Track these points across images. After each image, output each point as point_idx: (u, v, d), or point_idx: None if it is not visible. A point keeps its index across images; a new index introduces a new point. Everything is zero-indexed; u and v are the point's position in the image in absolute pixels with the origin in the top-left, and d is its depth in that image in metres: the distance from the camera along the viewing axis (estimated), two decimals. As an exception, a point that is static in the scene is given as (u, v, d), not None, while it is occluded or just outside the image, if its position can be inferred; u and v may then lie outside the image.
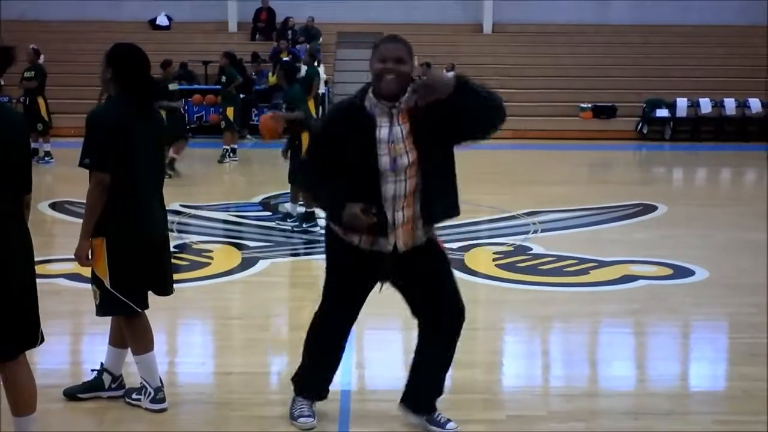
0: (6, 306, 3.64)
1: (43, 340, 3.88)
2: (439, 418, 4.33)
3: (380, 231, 3.98)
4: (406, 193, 4.00)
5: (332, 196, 4.08)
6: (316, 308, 4.37)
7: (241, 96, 17.81)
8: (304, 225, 9.29)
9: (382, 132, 3.95)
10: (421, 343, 4.32)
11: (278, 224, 9.55)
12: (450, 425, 4.30)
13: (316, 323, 4.38)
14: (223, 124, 15.66)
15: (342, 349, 4.42)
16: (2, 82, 16.01)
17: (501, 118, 3.93)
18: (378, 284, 4.22)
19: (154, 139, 4.45)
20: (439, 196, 4.05)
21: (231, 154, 15.30)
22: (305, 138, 9.27)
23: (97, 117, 4.29)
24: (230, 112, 15.45)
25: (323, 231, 4.41)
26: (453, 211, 4.13)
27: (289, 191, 9.71)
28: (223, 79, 15.85)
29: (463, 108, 3.83)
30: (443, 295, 4.21)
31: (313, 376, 4.45)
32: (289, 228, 9.35)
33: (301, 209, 9.46)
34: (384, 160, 3.94)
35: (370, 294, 4.28)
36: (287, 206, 9.74)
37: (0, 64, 3.77)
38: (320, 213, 9.68)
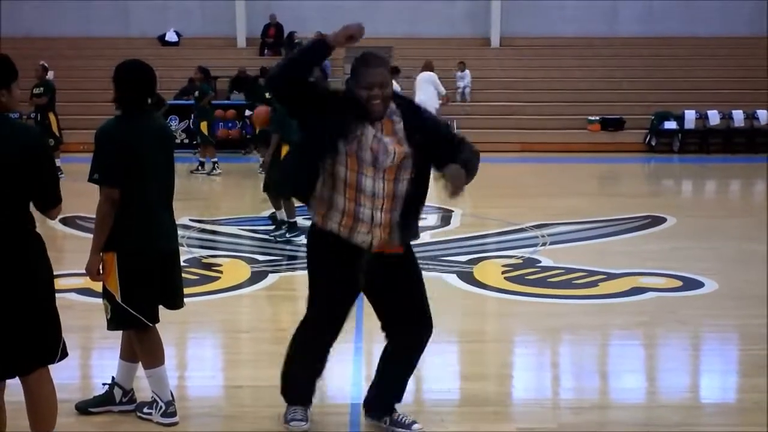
0: (19, 321, 3.64)
1: (66, 354, 3.88)
2: (403, 420, 4.40)
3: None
4: (384, 194, 4.03)
5: (295, 168, 4.19)
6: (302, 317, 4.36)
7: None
8: (287, 235, 9.39)
9: (369, 130, 3.98)
10: (389, 352, 4.38)
11: (273, 236, 9.55)
12: (415, 426, 4.38)
13: (303, 329, 4.34)
14: (198, 139, 15.87)
15: (327, 354, 4.38)
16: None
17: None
18: (359, 281, 4.20)
19: (163, 153, 4.49)
20: (415, 218, 4.16)
21: (201, 167, 15.66)
22: (284, 151, 9.38)
23: (106, 133, 4.33)
24: (204, 126, 15.61)
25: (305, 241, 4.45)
26: (417, 236, 4.26)
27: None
28: (197, 93, 15.94)
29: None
30: (414, 306, 4.26)
31: (303, 383, 4.45)
32: (278, 236, 9.42)
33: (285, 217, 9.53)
34: (367, 155, 3.97)
35: (355, 305, 4.29)
36: (277, 214, 9.76)
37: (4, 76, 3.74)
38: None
